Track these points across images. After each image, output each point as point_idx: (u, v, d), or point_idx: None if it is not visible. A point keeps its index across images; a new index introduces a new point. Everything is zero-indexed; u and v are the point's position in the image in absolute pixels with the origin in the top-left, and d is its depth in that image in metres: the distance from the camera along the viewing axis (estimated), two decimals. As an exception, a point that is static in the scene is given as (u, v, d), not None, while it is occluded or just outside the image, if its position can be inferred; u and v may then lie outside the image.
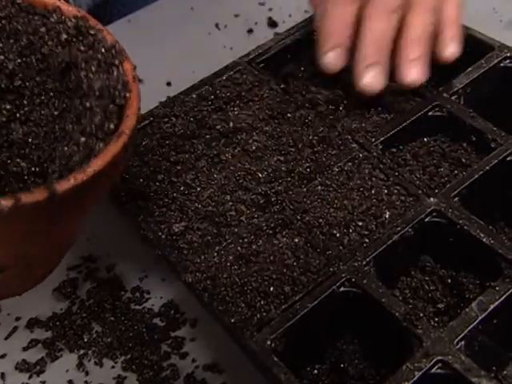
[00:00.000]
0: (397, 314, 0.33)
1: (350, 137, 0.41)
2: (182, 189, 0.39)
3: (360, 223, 0.37)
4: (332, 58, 0.38)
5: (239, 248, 0.36)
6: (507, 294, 0.34)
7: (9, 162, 0.30)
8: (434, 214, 0.37)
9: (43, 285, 0.39)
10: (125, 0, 0.60)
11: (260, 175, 0.39)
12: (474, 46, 0.45)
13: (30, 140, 0.31)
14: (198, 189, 0.39)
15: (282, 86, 0.44)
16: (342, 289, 0.34)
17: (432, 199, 0.38)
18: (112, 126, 0.31)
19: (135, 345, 0.38)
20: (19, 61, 0.32)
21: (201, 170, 0.40)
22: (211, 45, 0.55)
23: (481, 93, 0.43)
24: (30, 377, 0.37)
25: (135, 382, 0.37)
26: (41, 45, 0.33)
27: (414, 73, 0.39)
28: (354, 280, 0.35)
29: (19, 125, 0.31)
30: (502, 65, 0.44)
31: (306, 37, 0.46)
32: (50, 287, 0.41)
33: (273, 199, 0.38)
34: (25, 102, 0.32)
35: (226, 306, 0.34)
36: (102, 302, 0.40)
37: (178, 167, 0.40)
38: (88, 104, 0.32)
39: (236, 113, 0.43)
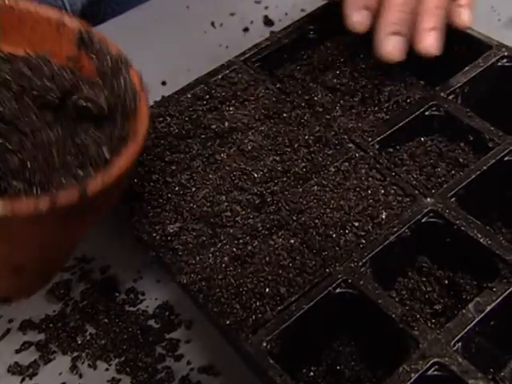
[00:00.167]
0: (393, 315, 0.33)
1: (346, 136, 0.41)
2: (176, 189, 0.39)
3: (356, 224, 0.37)
4: (360, 17, 0.39)
5: (234, 249, 0.36)
6: (504, 294, 0.34)
7: (6, 187, 0.31)
8: (431, 214, 0.37)
9: (36, 286, 0.39)
10: (119, -2, 0.60)
11: (255, 175, 0.39)
12: (472, 44, 0.45)
13: (28, 166, 0.32)
14: (193, 189, 0.39)
15: (278, 85, 0.44)
16: (338, 290, 0.34)
17: (429, 199, 0.38)
18: (108, 156, 0.33)
19: (129, 347, 0.38)
20: (14, 105, 0.33)
21: (196, 170, 0.40)
22: (207, 43, 0.55)
23: (478, 92, 0.43)
24: (23, 380, 0.37)
25: (129, 384, 0.37)
26: (31, 86, 0.34)
27: (429, 42, 0.40)
28: (350, 281, 0.35)
29: (13, 154, 0.32)
30: (499, 64, 0.44)
31: (302, 36, 0.46)
32: (43, 289, 0.41)
33: (268, 199, 0.38)
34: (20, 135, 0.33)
35: (221, 308, 0.34)
36: (95, 303, 0.40)
37: (173, 167, 0.40)
38: (88, 138, 0.33)
39: (231, 112, 0.43)
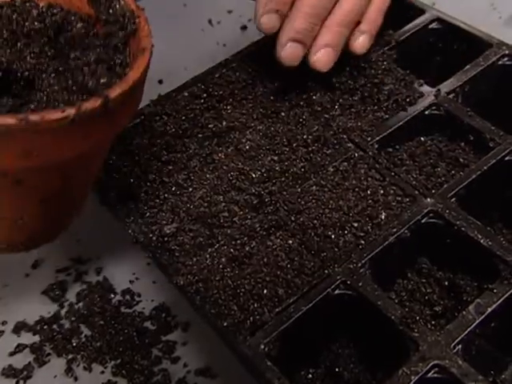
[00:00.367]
0: (393, 317, 0.33)
1: (345, 136, 0.41)
2: (173, 189, 0.39)
3: (355, 224, 0.37)
4: (268, 20, 0.40)
5: (232, 250, 0.36)
6: (505, 296, 0.34)
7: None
8: (431, 214, 0.37)
9: (30, 287, 0.39)
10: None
11: (253, 175, 0.39)
12: (472, 43, 0.45)
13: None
14: (190, 189, 0.39)
15: (276, 84, 0.44)
16: (336, 291, 0.34)
17: (429, 200, 0.38)
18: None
19: (125, 349, 0.38)
20: (8, 51, 0.34)
21: (193, 170, 0.40)
22: (204, 41, 0.55)
23: (479, 91, 0.43)
24: (17, 382, 0.37)
25: (125, 387, 0.37)
26: (20, 29, 0.35)
27: (320, 57, 0.41)
28: (349, 282, 0.35)
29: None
30: (500, 62, 0.44)
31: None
32: (38, 290, 0.41)
33: (266, 200, 0.38)
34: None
35: (219, 309, 0.34)
36: (91, 305, 0.40)
37: (170, 167, 0.40)
38: (92, 67, 0.33)
39: (229, 111, 0.43)
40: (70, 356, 0.38)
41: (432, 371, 0.32)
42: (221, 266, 0.35)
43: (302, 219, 0.37)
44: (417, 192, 0.38)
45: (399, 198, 0.38)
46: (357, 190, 0.38)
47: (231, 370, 0.37)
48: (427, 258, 0.38)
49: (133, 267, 0.42)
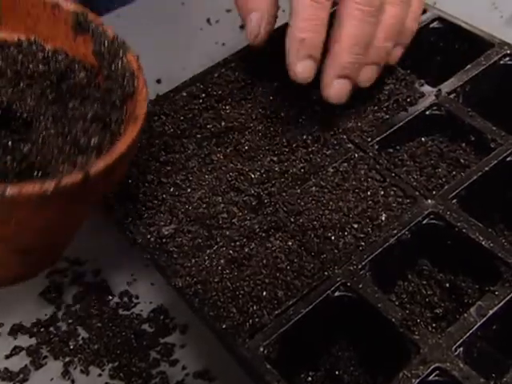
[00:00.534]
0: (393, 319, 0.33)
1: (345, 136, 0.41)
2: (171, 190, 0.39)
3: (355, 226, 0.37)
4: (303, 68, 0.38)
5: (231, 251, 0.36)
6: (507, 298, 0.34)
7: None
8: (432, 216, 0.37)
9: (27, 289, 0.39)
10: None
11: (252, 176, 0.39)
12: (473, 42, 0.45)
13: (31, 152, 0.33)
14: (189, 190, 0.39)
15: (276, 84, 0.44)
16: (336, 293, 0.34)
17: (429, 201, 0.38)
18: (108, 144, 0.34)
19: (123, 352, 0.38)
20: (10, 90, 0.35)
21: (191, 171, 0.40)
22: (202, 41, 0.55)
23: (480, 91, 0.43)
24: (14, 385, 0.37)
25: (123, 390, 0.37)
26: (24, 70, 0.36)
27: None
28: (349, 284, 0.35)
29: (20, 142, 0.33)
30: (501, 62, 0.44)
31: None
32: (35, 292, 0.41)
33: (266, 201, 0.38)
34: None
35: (218, 312, 0.34)
36: (88, 307, 0.40)
37: (168, 167, 0.40)
38: (86, 124, 0.34)
39: (228, 111, 0.43)
40: (67, 359, 0.38)
41: (433, 374, 0.32)
42: (219, 268, 0.35)
43: (301, 220, 0.37)
44: (417, 193, 0.38)
45: (400, 199, 0.38)
46: (357, 191, 0.38)
47: (230, 372, 0.37)
48: (428, 259, 0.38)
49: (131, 269, 0.42)
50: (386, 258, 0.36)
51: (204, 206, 0.38)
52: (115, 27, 0.54)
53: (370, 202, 0.38)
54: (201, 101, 0.43)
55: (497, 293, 0.34)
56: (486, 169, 0.39)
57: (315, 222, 0.37)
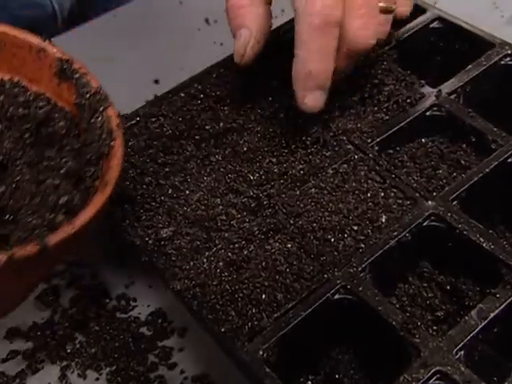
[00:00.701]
0: (394, 322, 0.33)
1: (345, 137, 0.41)
2: (170, 192, 0.39)
3: (355, 227, 0.37)
4: (314, 100, 0.37)
5: (230, 254, 0.36)
6: (508, 301, 0.34)
7: None
8: (432, 217, 0.37)
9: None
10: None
11: (251, 177, 0.39)
12: (474, 42, 0.45)
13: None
14: (187, 192, 0.39)
15: (275, 84, 0.44)
16: (336, 296, 0.34)
17: (430, 202, 0.38)
18: (78, 201, 0.34)
19: (121, 355, 0.38)
20: None
21: (190, 172, 0.40)
22: (201, 41, 0.55)
23: (481, 92, 0.43)
24: (10, 390, 0.37)
25: (121, 394, 0.37)
26: (4, 112, 0.36)
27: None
28: (349, 287, 0.35)
29: None
30: (502, 62, 0.44)
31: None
32: (31, 295, 0.41)
33: (265, 203, 0.38)
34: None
35: (216, 315, 0.34)
36: (85, 310, 0.40)
37: (166, 169, 0.40)
38: (56, 181, 0.34)
39: (227, 112, 0.43)
40: (64, 363, 0.38)
41: (434, 378, 0.32)
42: (218, 271, 0.35)
43: (300, 222, 0.37)
44: (418, 194, 0.38)
45: (400, 201, 0.38)
46: (357, 192, 0.38)
47: (229, 376, 0.37)
48: (428, 261, 0.38)
49: (128, 271, 0.42)
50: (386, 261, 0.36)
51: (202, 207, 0.38)
52: (112, 27, 0.54)
53: (370, 204, 0.38)
54: (199, 101, 0.43)
55: (498, 295, 0.34)
56: (487, 170, 0.39)
57: (315, 224, 0.37)
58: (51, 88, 0.38)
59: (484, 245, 0.36)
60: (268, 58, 0.45)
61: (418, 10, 0.47)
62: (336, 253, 0.36)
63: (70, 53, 0.38)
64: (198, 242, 0.37)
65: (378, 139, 0.41)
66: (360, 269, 0.35)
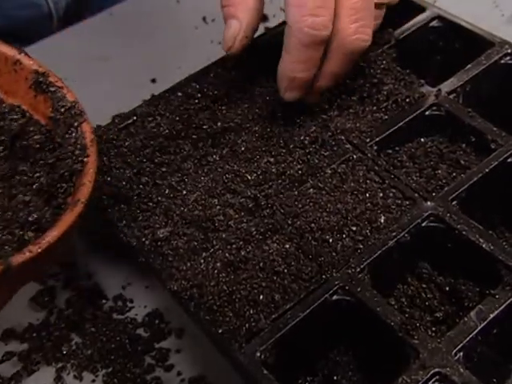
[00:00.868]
0: (392, 323, 0.33)
1: (343, 137, 0.41)
2: (166, 192, 0.39)
3: (354, 228, 0.37)
4: (292, 97, 0.41)
5: (227, 254, 0.36)
6: (507, 302, 0.34)
7: None
8: (432, 218, 0.37)
9: (18, 294, 0.39)
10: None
11: (249, 177, 0.39)
12: (474, 41, 0.45)
13: None
14: (184, 192, 0.39)
15: (272, 83, 0.44)
16: (334, 297, 0.35)
17: (429, 203, 0.38)
18: (49, 218, 0.33)
19: (117, 357, 0.38)
20: None
21: (187, 172, 0.40)
22: (198, 39, 0.55)
23: (480, 91, 0.44)
24: (5, 391, 0.37)
25: (117, 396, 0.37)
26: None
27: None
28: (347, 288, 0.35)
29: None
30: (502, 61, 0.44)
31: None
32: (26, 296, 0.41)
33: (262, 203, 0.38)
34: None
35: (214, 316, 0.34)
36: (81, 311, 0.40)
37: (163, 169, 0.40)
38: (27, 198, 0.34)
39: (224, 112, 0.43)
40: (60, 364, 0.38)
41: (433, 379, 0.32)
42: (216, 271, 0.36)
43: (299, 223, 0.37)
44: (417, 195, 0.38)
45: (399, 201, 0.38)
46: (355, 192, 0.38)
47: (226, 378, 0.37)
48: (428, 262, 0.38)
49: (125, 272, 0.42)
50: (384, 261, 0.36)
51: (200, 208, 0.38)
52: (108, 26, 0.54)
53: (369, 204, 0.38)
54: (196, 101, 0.44)
55: (497, 296, 0.34)
56: (487, 170, 0.39)
57: (313, 225, 0.37)
58: (28, 100, 0.38)
59: (483, 245, 0.36)
60: (266, 57, 0.45)
61: (418, 9, 0.47)
62: (334, 253, 0.36)
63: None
64: (195, 243, 0.37)
65: (377, 139, 0.41)
66: (358, 269, 0.35)
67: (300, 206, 0.38)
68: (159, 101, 0.44)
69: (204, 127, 0.42)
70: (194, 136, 0.42)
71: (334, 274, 0.35)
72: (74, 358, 0.38)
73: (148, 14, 0.57)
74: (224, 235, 0.37)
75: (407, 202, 0.38)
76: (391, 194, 0.38)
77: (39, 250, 0.31)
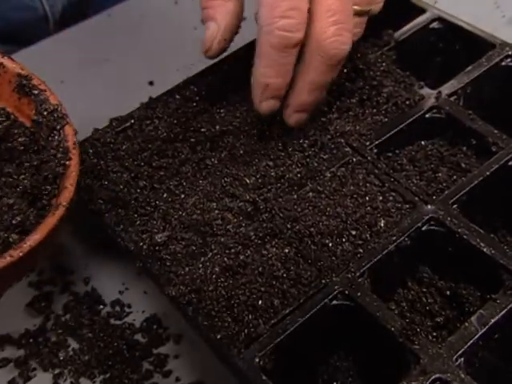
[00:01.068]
0: (392, 328, 0.33)
1: (343, 140, 0.41)
2: (165, 196, 0.39)
3: (354, 232, 0.37)
4: (267, 108, 0.40)
5: (226, 259, 0.36)
6: (509, 307, 0.34)
7: None
8: (432, 222, 0.37)
9: (14, 299, 0.39)
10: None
11: (248, 181, 0.40)
12: (474, 43, 0.45)
13: None
14: (182, 196, 0.39)
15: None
16: (334, 302, 0.35)
17: (429, 206, 0.38)
18: (33, 221, 0.34)
19: (115, 363, 0.38)
20: None
21: (185, 176, 0.40)
22: (197, 41, 0.55)
23: (481, 93, 0.44)
24: (2, 398, 0.37)
25: (115, 402, 0.37)
26: None
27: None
28: (347, 293, 0.35)
29: None
30: (503, 63, 0.44)
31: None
32: (23, 302, 0.41)
33: (261, 207, 0.38)
34: None
35: (212, 321, 0.34)
36: (79, 317, 0.40)
37: (161, 173, 0.41)
38: (11, 201, 0.34)
39: (222, 115, 0.43)
40: (57, 370, 0.38)
41: (433, 385, 0.32)
42: (214, 276, 0.36)
43: (298, 227, 0.37)
44: (417, 198, 0.38)
45: (399, 205, 0.38)
46: (355, 196, 0.39)
47: (225, 384, 0.37)
48: (428, 266, 0.39)
49: (122, 277, 0.42)
50: (385, 266, 0.36)
51: (198, 212, 0.38)
52: (106, 27, 0.54)
53: (369, 208, 0.38)
54: (194, 104, 0.44)
55: (498, 301, 0.34)
56: (488, 173, 0.39)
57: (312, 229, 0.37)
58: (12, 103, 0.38)
59: (484, 249, 0.36)
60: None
61: (418, 11, 0.47)
62: (334, 258, 0.36)
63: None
64: (194, 247, 0.37)
65: (377, 142, 0.41)
66: (358, 274, 0.35)
67: (299, 209, 0.38)
68: (157, 104, 0.44)
69: (202, 130, 0.42)
70: (192, 139, 0.42)
71: (334, 279, 0.35)
72: (71, 364, 0.38)
73: (146, 16, 0.57)
74: (222, 239, 0.37)
75: (407, 206, 0.38)
76: (391, 198, 0.39)
77: (20, 255, 0.31)
